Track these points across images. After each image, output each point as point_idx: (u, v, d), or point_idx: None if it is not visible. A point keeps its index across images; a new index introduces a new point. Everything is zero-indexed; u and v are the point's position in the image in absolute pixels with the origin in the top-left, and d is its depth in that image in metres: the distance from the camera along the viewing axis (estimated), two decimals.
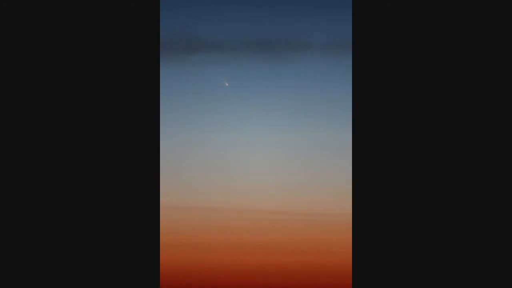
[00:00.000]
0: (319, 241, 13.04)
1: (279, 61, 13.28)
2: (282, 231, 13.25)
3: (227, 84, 12.47)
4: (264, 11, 13.07)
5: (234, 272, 12.81)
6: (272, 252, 13.09)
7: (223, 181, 13.62)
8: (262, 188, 13.55)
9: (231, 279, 12.63)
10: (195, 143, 13.68)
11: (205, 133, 13.76)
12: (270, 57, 13.14)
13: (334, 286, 11.92)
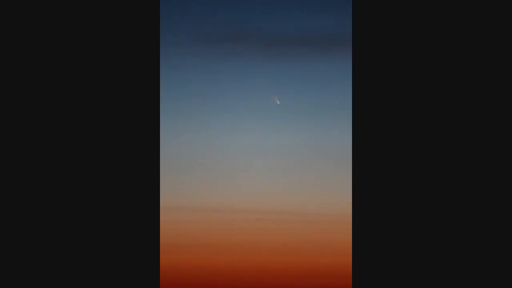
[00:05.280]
0: (319, 242, 13.04)
1: (279, 62, 13.28)
2: (282, 232, 13.25)
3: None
4: (263, 8, 13.07)
5: (234, 273, 12.80)
6: (272, 253, 13.08)
7: (223, 182, 13.61)
8: (262, 189, 13.54)
9: (231, 280, 12.63)
10: (195, 144, 13.68)
11: (205, 134, 13.76)
12: (272, 58, 13.15)
13: (334, 287, 11.91)
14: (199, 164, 13.62)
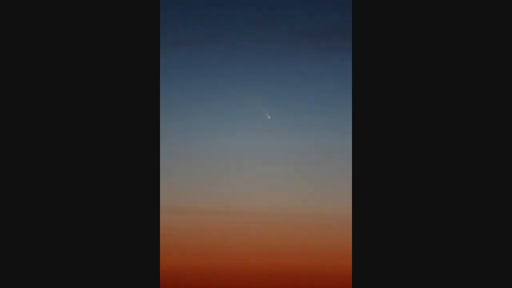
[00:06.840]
0: (320, 243, 13.04)
1: (280, 63, 13.29)
2: (282, 233, 13.26)
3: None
4: (267, 9, 13.09)
5: (234, 274, 12.80)
6: (272, 254, 13.09)
7: (223, 183, 13.62)
8: (262, 190, 13.55)
9: (231, 281, 12.63)
10: (194, 145, 13.68)
11: (205, 135, 13.77)
12: (271, 59, 13.16)
13: (335, 287, 11.92)
14: (199, 165, 13.62)
